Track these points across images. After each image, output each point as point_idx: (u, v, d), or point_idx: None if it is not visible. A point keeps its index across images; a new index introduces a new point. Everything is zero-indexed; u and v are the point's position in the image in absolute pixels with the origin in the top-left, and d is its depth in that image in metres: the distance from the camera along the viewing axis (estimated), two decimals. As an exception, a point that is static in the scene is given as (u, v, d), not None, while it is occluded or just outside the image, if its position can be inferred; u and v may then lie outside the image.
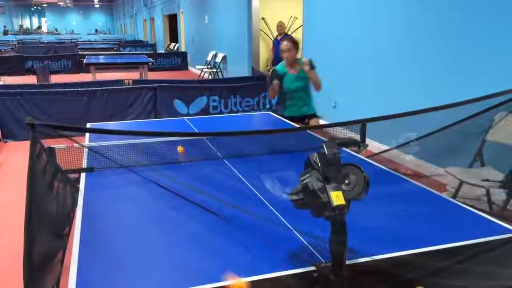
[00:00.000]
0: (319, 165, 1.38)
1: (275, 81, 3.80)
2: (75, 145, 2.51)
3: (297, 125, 3.61)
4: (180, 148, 2.73)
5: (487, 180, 2.79)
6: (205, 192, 2.04)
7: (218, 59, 11.70)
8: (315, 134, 3.17)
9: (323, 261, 1.46)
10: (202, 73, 12.00)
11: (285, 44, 3.85)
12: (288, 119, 3.85)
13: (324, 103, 6.38)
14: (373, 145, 3.25)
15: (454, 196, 2.97)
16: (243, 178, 2.32)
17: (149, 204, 2.05)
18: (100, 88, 6.40)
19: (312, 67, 3.78)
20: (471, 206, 1.99)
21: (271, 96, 3.94)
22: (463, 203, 2.04)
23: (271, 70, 3.98)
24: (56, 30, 44.15)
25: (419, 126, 2.67)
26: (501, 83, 2.61)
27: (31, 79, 10.50)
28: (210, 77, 11.31)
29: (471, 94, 2.23)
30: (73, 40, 24.62)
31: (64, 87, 6.51)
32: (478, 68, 3.70)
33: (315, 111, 4.07)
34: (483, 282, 1.59)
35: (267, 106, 6.99)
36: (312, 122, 3.98)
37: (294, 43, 3.88)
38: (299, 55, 4.06)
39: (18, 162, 4.96)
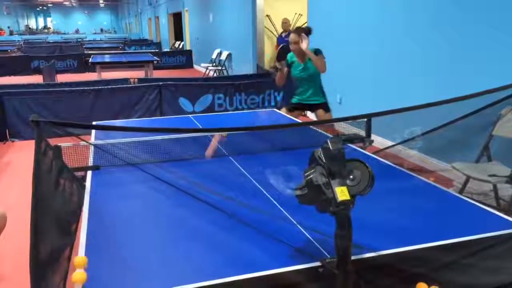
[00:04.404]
0: (324, 160, 1.37)
1: (285, 67, 4.05)
2: (81, 143, 2.52)
3: (298, 120, 3.77)
4: (223, 134, 2.87)
5: (494, 175, 2.76)
6: (211, 189, 2.04)
7: (223, 57, 11.70)
8: (320, 130, 3.16)
9: (328, 256, 1.46)
10: (207, 71, 12.01)
11: (293, 36, 4.00)
12: (295, 106, 4.16)
13: (329, 99, 6.37)
14: (378, 141, 3.24)
15: (460, 192, 2.95)
16: (248, 175, 2.33)
17: (155, 201, 2.06)
18: (105, 87, 6.42)
19: (315, 53, 3.91)
20: (478, 201, 1.98)
21: (278, 81, 4.15)
22: (470, 198, 2.03)
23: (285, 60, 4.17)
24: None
25: (425, 121, 2.65)
26: (503, 79, 2.59)
27: (37, 79, 10.56)
28: (215, 75, 11.32)
29: (474, 90, 2.22)
30: (78, 40, 24.70)
31: (70, 86, 6.54)
32: (478, 65, 3.68)
33: (326, 101, 4.20)
34: (491, 276, 1.58)
35: (272, 103, 6.98)
36: (320, 114, 4.11)
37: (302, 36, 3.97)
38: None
39: (25, 161, 4.99)
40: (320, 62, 3.88)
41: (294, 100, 4.23)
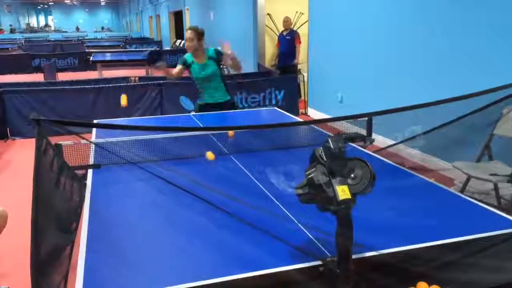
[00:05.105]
0: (325, 159, 1.37)
1: (161, 63, 3.91)
2: (82, 141, 2.52)
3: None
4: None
5: (495, 174, 2.76)
6: (212, 188, 2.04)
7: (224, 55, 11.68)
8: (321, 129, 3.16)
9: (329, 255, 1.46)
10: (208, 69, 11.98)
11: (188, 33, 3.92)
12: (203, 108, 4.06)
13: (330, 98, 6.37)
14: (379, 140, 3.23)
15: (461, 191, 2.95)
16: (249, 173, 2.32)
17: (156, 200, 2.06)
18: (106, 85, 6.42)
19: (218, 54, 3.91)
20: (479, 200, 1.97)
21: (172, 75, 4.05)
22: (471, 197, 2.02)
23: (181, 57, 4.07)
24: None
25: (426, 120, 2.65)
26: (503, 78, 2.59)
27: (38, 77, 10.56)
28: (216, 74, 11.29)
29: (474, 89, 2.21)
30: (79, 38, 24.68)
31: (71, 85, 6.55)
32: (478, 65, 3.68)
33: (231, 99, 4.17)
34: (491, 276, 1.58)
35: (273, 102, 6.98)
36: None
37: (198, 34, 3.91)
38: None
39: (26, 160, 4.98)
40: (239, 65, 3.88)
41: (202, 101, 4.12)
